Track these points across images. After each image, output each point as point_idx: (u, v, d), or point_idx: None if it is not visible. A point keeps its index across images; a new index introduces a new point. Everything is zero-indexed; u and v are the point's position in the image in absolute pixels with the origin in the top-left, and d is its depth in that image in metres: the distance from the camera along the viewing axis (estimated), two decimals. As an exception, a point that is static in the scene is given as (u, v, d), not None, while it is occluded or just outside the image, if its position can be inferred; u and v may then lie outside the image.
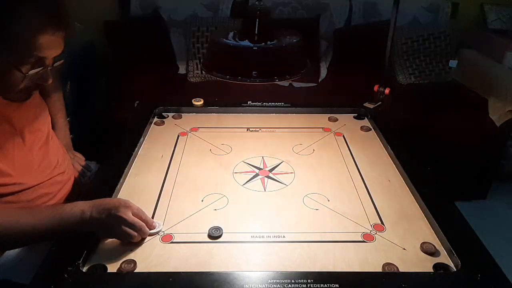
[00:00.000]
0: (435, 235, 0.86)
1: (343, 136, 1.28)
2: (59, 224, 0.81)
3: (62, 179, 1.06)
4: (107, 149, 1.14)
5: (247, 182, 1.05)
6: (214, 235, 0.85)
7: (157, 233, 0.86)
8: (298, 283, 0.72)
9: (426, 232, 0.88)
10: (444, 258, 0.80)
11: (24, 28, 0.77)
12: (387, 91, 1.48)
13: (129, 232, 0.80)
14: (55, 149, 1.08)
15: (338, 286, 0.72)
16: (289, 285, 0.72)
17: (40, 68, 0.83)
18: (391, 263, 0.78)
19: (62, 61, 0.89)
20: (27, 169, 0.96)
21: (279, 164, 1.13)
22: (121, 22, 2.37)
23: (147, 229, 0.84)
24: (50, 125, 1.10)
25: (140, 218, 0.84)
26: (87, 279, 0.74)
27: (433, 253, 0.81)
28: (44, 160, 1.02)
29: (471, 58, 2.33)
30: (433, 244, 0.83)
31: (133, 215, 0.82)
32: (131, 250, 0.81)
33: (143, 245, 0.83)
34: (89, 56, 2.34)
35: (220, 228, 0.87)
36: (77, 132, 1.36)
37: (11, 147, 0.92)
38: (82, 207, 0.82)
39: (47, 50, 0.82)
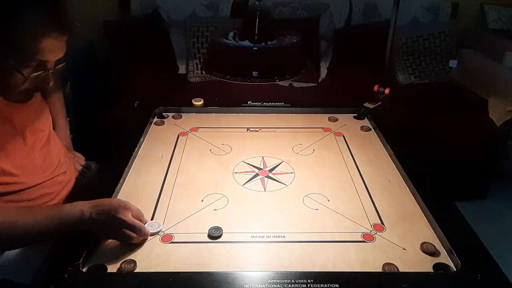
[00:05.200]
0: (435, 235, 0.86)
1: (343, 136, 1.28)
2: (58, 224, 0.81)
3: (63, 179, 1.07)
4: (107, 149, 1.14)
5: (247, 182, 1.05)
6: (214, 235, 0.85)
7: (157, 233, 0.86)
8: (298, 283, 0.72)
9: (426, 232, 0.88)
10: (444, 258, 0.80)
11: (27, 32, 0.77)
12: (387, 91, 1.48)
13: (128, 234, 0.80)
14: (56, 149, 1.08)
15: (338, 286, 0.72)
16: (289, 285, 0.72)
17: (42, 71, 0.83)
18: (391, 263, 0.78)
19: (63, 64, 0.89)
20: (29, 169, 0.96)
21: (279, 164, 1.13)
22: (121, 22, 2.37)
23: (147, 230, 0.84)
24: (52, 125, 1.10)
25: (140, 220, 0.84)
26: (87, 279, 0.74)
27: (433, 253, 0.81)
28: (46, 160, 1.02)
29: (471, 58, 2.33)
30: (433, 244, 0.83)
31: (133, 216, 0.82)
32: (131, 250, 0.81)
33: (143, 245, 0.83)
34: (89, 56, 2.34)
35: (220, 228, 0.87)
36: (77, 132, 1.36)
37: (12, 147, 0.92)
38: (82, 207, 0.82)
39: (49, 54, 0.82)
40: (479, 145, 2.06)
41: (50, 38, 0.80)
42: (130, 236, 0.81)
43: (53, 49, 0.82)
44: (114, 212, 0.80)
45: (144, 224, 0.86)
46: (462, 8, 2.48)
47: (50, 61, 0.84)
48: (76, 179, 1.14)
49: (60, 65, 0.88)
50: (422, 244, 0.83)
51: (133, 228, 0.81)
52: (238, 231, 0.88)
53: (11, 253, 0.94)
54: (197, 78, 2.33)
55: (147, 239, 0.84)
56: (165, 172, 1.08)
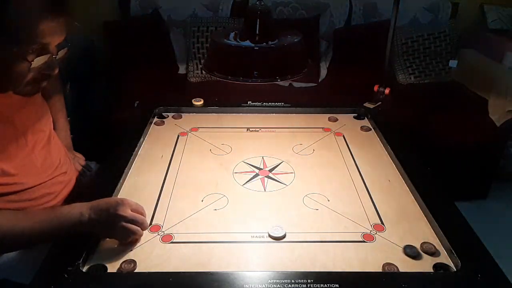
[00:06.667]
0: (435, 235, 0.86)
1: (343, 136, 1.28)
2: (57, 227, 0.81)
3: (64, 179, 1.07)
4: (107, 149, 1.14)
5: (247, 182, 1.05)
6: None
7: (282, 237, 0.85)
8: (298, 283, 0.72)
9: (426, 232, 0.88)
10: (444, 258, 0.80)
11: (24, 15, 0.77)
12: (387, 91, 1.48)
13: (130, 228, 0.81)
14: (57, 149, 1.08)
15: (338, 286, 0.72)
16: (289, 285, 0.72)
17: (45, 56, 0.83)
18: (391, 263, 0.78)
19: (66, 49, 0.89)
20: (29, 169, 0.96)
21: (279, 164, 1.13)
22: (121, 22, 2.37)
23: (147, 223, 0.85)
24: (52, 126, 1.10)
25: (141, 214, 0.86)
26: (87, 279, 0.74)
27: (433, 253, 0.81)
28: (46, 160, 1.02)
29: (471, 58, 2.33)
30: (433, 244, 0.83)
31: (132, 211, 0.83)
32: (131, 250, 0.81)
33: (143, 245, 0.83)
34: (89, 56, 2.34)
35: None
36: (77, 132, 1.36)
37: (13, 148, 0.92)
38: (80, 209, 0.82)
39: (48, 36, 0.81)
40: (479, 145, 2.06)
41: (47, 19, 0.79)
42: (131, 229, 0.81)
43: (52, 31, 0.81)
44: (113, 210, 0.81)
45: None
46: (462, 8, 2.48)
47: (51, 44, 0.83)
48: (76, 179, 1.14)
49: (63, 50, 0.88)
50: (422, 244, 0.83)
51: (134, 222, 0.82)
52: (238, 231, 0.88)
53: (11, 253, 0.94)
54: (197, 78, 2.33)
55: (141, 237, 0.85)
56: (165, 172, 1.08)
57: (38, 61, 0.81)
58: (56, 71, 0.87)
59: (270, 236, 0.85)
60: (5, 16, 0.76)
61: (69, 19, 0.85)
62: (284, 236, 0.85)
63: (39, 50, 0.81)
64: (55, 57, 0.85)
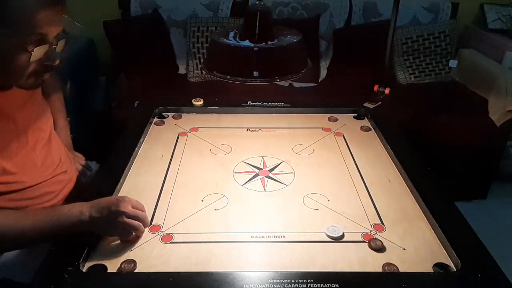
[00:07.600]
0: (435, 235, 0.86)
1: (343, 136, 1.28)
2: (57, 226, 0.81)
3: (64, 178, 1.07)
4: (107, 149, 1.14)
5: (247, 182, 1.05)
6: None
7: (340, 237, 0.85)
8: (298, 283, 0.72)
9: (426, 232, 0.88)
10: (444, 258, 0.80)
11: (21, 5, 0.77)
12: (387, 91, 1.48)
13: (132, 224, 0.81)
14: (57, 148, 1.08)
15: (338, 286, 0.72)
16: (289, 285, 0.72)
17: (45, 46, 0.83)
18: (391, 263, 0.78)
19: (64, 40, 0.89)
20: (30, 168, 0.96)
21: (279, 164, 1.13)
22: (121, 22, 2.37)
23: (148, 219, 0.86)
24: (52, 125, 1.10)
25: (142, 211, 0.86)
26: (87, 279, 0.74)
27: (380, 249, 0.81)
28: (47, 159, 1.02)
29: (471, 58, 2.33)
30: (381, 240, 0.83)
31: (133, 207, 0.84)
32: (131, 250, 0.81)
33: (143, 245, 0.83)
34: (89, 56, 2.34)
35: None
36: (77, 132, 1.36)
37: (15, 146, 0.92)
38: (80, 208, 0.82)
39: (46, 26, 0.81)
40: (479, 145, 2.06)
41: (44, 9, 0.79)
42: (134, 226, 0.81)
43: (50, 21, 0.81)
44: (114, 207, 0.81)
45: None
46: (462, 8, 2.47)
47: (49, 35, 0.83)
48: (76, 179, 1.14)
49: (62, 41, 0.88)
50: (370, 241, 0.83)
51: (136, 218, 0.82)
52: (238, 231, 0.88)
53: (11, 253, 0.94)
54: (197, 78, 2.33)
55: (141, 236, 0.85)
56: (165, 172, 1.08)
57: (38, 52, 0.81)
58: (57, 62, 0.87)
59: (328, 236, 0.85)
60: (3, 8, 0.76)
61: (66, 10, 0.85)
62: (342, 236, 0.85)
63: (38, 41, 0.81)
64: (55, 47, 0.85)
